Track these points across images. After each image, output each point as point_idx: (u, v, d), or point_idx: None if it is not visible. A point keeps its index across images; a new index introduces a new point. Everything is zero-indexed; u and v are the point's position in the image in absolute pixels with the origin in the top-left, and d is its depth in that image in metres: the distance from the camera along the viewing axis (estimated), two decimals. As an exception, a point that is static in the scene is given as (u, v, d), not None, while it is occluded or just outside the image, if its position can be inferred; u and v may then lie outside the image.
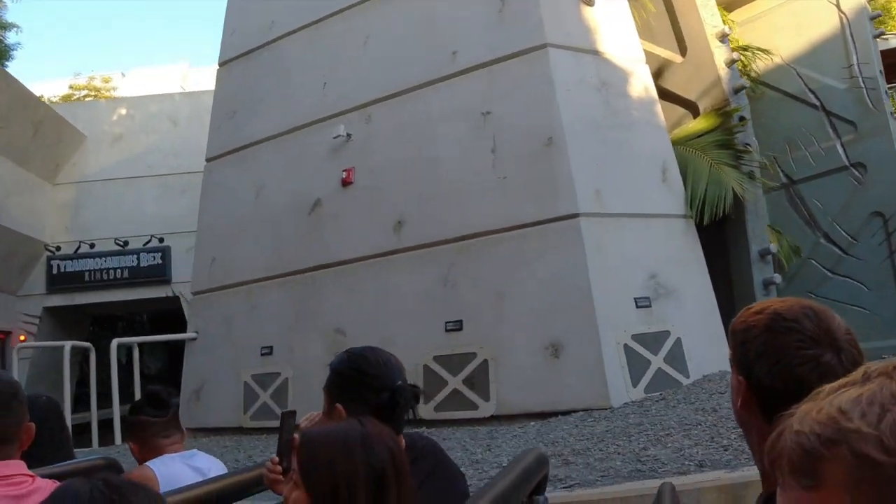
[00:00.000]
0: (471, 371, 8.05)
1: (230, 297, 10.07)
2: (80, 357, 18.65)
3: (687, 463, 5.08)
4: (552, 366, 7.68)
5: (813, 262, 11.49)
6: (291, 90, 10.32)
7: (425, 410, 8.16)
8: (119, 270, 17.66)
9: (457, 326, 8.25)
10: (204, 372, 10.04)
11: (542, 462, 2.25)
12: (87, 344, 10.54)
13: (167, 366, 23.58)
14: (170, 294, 17.55)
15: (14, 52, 21.34)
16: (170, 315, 18.91)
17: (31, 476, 1.75)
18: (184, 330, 16.02)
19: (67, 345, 10.15)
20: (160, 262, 17.64)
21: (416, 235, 8.73)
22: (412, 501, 1.42)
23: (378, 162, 9.22)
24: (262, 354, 9.51)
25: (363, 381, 1.93)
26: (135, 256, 17.65)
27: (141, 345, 21.91)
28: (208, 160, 11.10)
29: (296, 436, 1.56)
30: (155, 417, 2.59)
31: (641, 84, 9.21)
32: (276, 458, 1.84)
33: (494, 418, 7.82)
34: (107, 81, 27.66)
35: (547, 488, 4.94)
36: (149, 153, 18.45)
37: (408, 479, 1.43)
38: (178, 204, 17.75)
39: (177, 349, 20.10)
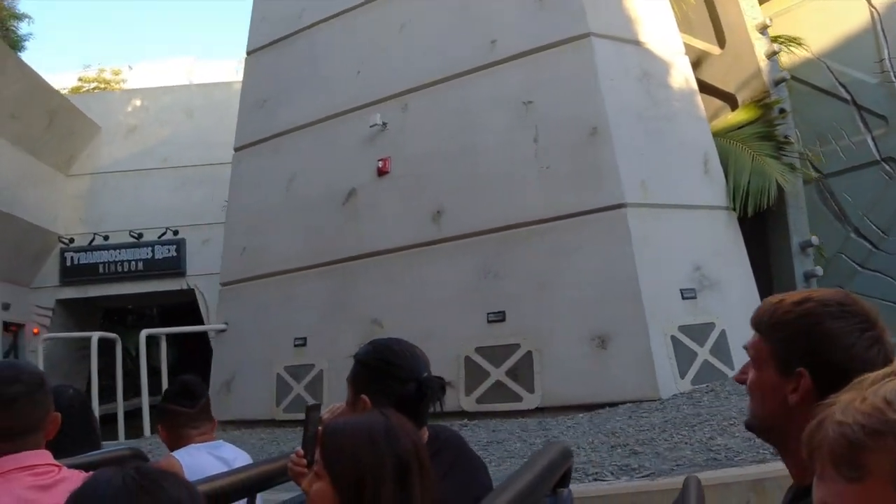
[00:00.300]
0: (514, 363, 7.94)
1: (261, 288, 9.95)
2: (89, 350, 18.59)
3: (762, 451, 4.99)
4: (599, 357, 7.58)
5: (843, 256, 11.42)
6: (324, 79, 10.21)
7: (467, 402, 8.09)
8: (133, 263, 17.57)
9: (499, 317, 8.15)
10: (234, 363, 9.91)
11: (567, 455, 2.18)
12: (114, 335, 10.40)
13: (177, 359, 23.50)
14: (184, 287, 17.45)
15: (26, 43, 21.25)
16: (183, 308, 18.85)
17: (58, 466, 1.76)
18: (198, 323, 15.97)
19: (95, 336, 10.02)
20: (175, 254, 17.54)
21: (456, 225, 8.63)
22: (433, 493, 1.41)
23: (415, 151, 9.11)
24: (296, 346, 9.39)
25: (390, 372, 1.93)
26: (149, 249, 17.54)
27: (150, 337, 21.83)
28: (237, 149, 10.98)
29: (320, 428, 1.57)
30: (185, 408, 2.61)
31: (682, 75, 9.12)
32: (301, 451, 1.83)
33: (539, 410, 7.72)
34: (116, 74, 27.51)
35: (622, 477, 4.89)
36: (163, 145, 18.34)
37: (429, 471, 1.42)
38: (192, 196, 17.69)
39: (188, 342, 20.04)
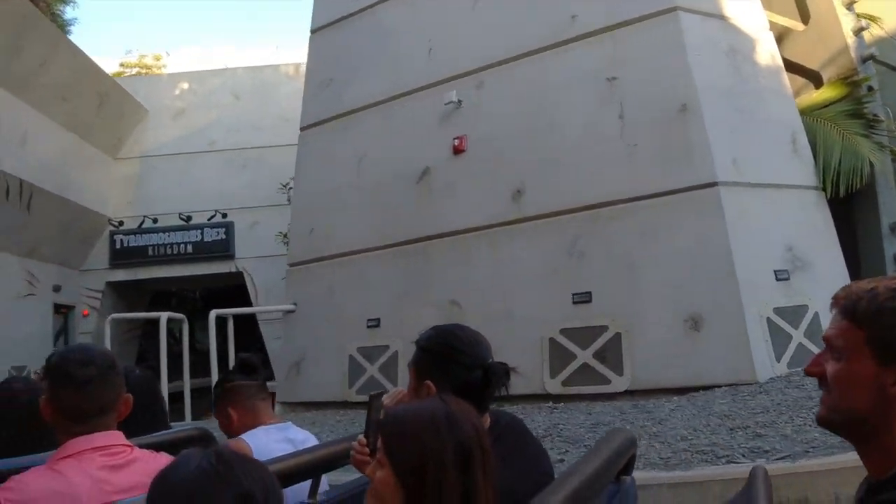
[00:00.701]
0: (602, 344, 7.75)
1: (332, 268, 9.82)
2: (139, 332, 18.69)
3: None
4: (692, 339, 7.37)
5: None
6: (393, 56, 10.03)
7: (552, 385, 7.92)
8: (183, 246, 17.54)
9: (585, 298, 7.95)
10: (304, 345, 9.80)
11: (631, 443, 2.11)
12: (181, 316, 10.33)
13: (218, 342, 23.54)
14: (233, 270, 17.40)
15: (71, 28, 21.23)
16: (229, 291, 18.84)
17: (130, 446, 1.79)
18: (245, 305, 15.84)
19: (164, 316, 9.98)
20: (224, 237, 17.48)
21: (537, 204, 8.43)
22: (495, 479, 1.39)
23: (492, 129, 8.92)
24: (369, 327, 9.25)
25: (454, 357, 1.90)
26: (198, 231, 17.50)
27: (192, 321, 21.81)
28: (303, 129, 10.83)
29: (382, 417, 1.57)
30: (248, 380, 2.67)
31: (767, 51, 8.84)
32: (363, 440, 1.83)
33: (628, 393, 7.53)
34: (157, 59, 27.54)
35: (757, 460, 4.69)
36: (210, 128, 18.28)
37: (492, 457, 1.40)
38: (239, 179, 17.64)
39: (236, 324, 19.94)
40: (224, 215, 17.44)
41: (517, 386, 7.99)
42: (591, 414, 6.74)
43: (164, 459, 1.81)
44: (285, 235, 14.66)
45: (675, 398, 7.00)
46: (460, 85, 9.27)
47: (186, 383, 9.97)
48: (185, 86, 18.98)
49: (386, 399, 2.00)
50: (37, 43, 13.47)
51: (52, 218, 15.20)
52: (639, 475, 4.54)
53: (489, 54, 9.19)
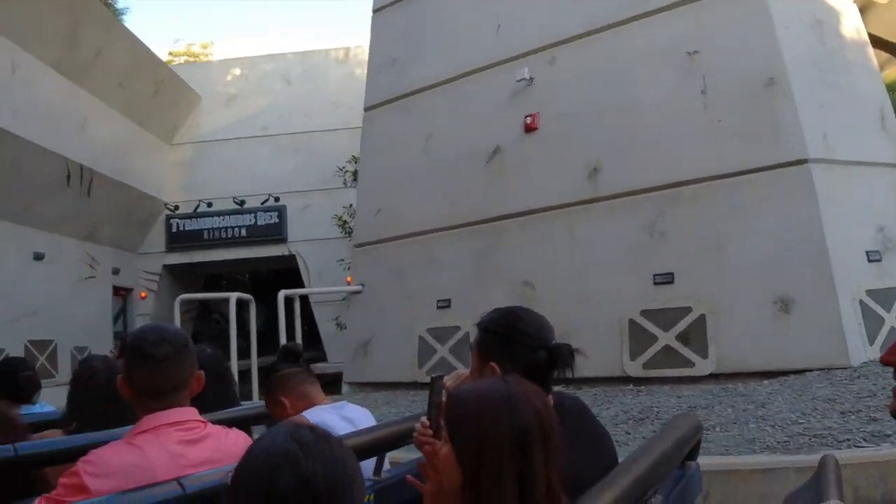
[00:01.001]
0: (685, 326, 7.52)
1: (400, 249, 9.70)
2: (193, 314, 18.88)
3: None
4: (781, 322, 7.11)
5: None
6: (460, 34, 9.85)
7: (632, 367, 7.72)
8: (237, 229, 17.60)
9: (667, 279, 7.73)
10: (372, 325, 9.72)
11: (698, 428, 2.20)
12: (249, 296, 10.29)
13: (266, 324, 23.70)
14: (285, 253, 17.44)
15: (123, 17, 21.39)
16: (277, 274, 18.97)
17: (203, 422, 1.85)
18: (295, 287, 15.81)
19: (233, 296, 9.95)
20: (277, 220, 17.51)
21: (614, 183, 8.21)
22: (560, 462, 1.37)
23: (566, 106, 8.70)
24: (439, 308, 9.13)
25: (517, 339, 1.90)
26: (252, 215, 17.55)
27: (241, 303, 21.94)
28: (367, 109, 10.72)
29: (443, 398, 1.61)
30: (295, 367, 2.69)
31: (852, 24, 8.51)
32: (426, 421, 1.84)
33: (712, 376, 7.31)
34: (205, 47, 27.65)
35: (883, 444, 4.46)
36: (262, 113, 18.29)
37: (556, 440, 1.38)
38: (291, 163, 17.66)
39: (276, 308, 20.07)
40: (276, 199, 17.46)
41: (595, 368, 7.86)
42: (680, 397, 6.54)
43: (234, 435, 1.91)
44: (340, 218, 14.63)
45: (766, 382, 6.77)
46: (531, 62, 9.06)
47: (254, 362, 9.94)
48: (237, 72, 18.99)
49: (447, 381, 2.04)
50: (94, 31, 13.56)
51: (111, 202, 15.36)
52: (761, 459, 4.37)
53: (561, 30, 8.96)
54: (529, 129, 8.86)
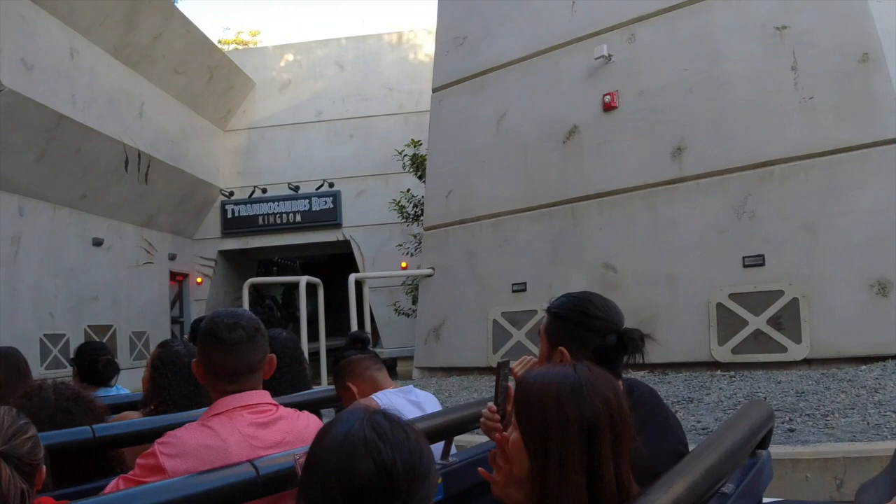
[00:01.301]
0: (777, 310, 7.27)
1: (472, 231, 9.55)
2: (251, 297, 18.94)
3: None
4: (878, 305, 6.84)
5: None
6: (533, 11, 9.62)
7: (720, 352, 7.49)
8: (292, 215, 17.59)
9: (757, 261, 7.48)
10: (443, 309, 9.58)
11: (770, 416, 2.11)
12: (317, 280, 10.21)
13: (316, 309, 23.77)
14: (340, 238, 17.40)
15: (176, 4, 21.39)
16: (329, 259, 18.95)
17: (276, 405, 1.89)
18: (347, 272, 15.75)
19: (303, 280, 9.87)
20: (331, 206, 17.47)
21: (701, 162, 7.96)
22: (630, 449, 1.34)
23: (646, 84, 8.46)
24: (514, 291, 8.97)
25: (587, 324, 1.86)
26: (307, 201, 17.54)
27: (293, 287, 21.96)
28: (435, 90, 10.55)
29: (510, 384, 1.68)
30: (364, 353, 2.74)
31: (947, -3, 8.13)
32: (494, 407, 1.86)
33: (805, 362, 7.06)
34: (254, 35, 27.64)
35: None
36: (316, 99, 18.24)
37: (628, 427, 1.34)
38: (345, 149, 17.60)
39: (327, 293, 20.02)
40: (331, 184, 17.42)
41: (680, 353, 7.64)
42: (780, 382, 6.30)
43: (305, 418, 1.94)
44: (398, 203, 14.52)
45: (864, 367, 6.52)
46: (609, 39, 8.81)
47: (322, 345, 9.86)
48: (291, 57, 18.93)
49: (515, 367, 2.06)
50: (151, 17, 13.59)
51: (168, 188, 15.48)
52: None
53: (641, 5, 8.70)
54: (608, 107, 8.63)
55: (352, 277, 10.07)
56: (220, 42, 27.72)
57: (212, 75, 16.74)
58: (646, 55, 8.56)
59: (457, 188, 9.79)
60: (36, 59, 10.50)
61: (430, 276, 9.81)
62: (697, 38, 8.27)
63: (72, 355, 3.89)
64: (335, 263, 18.86)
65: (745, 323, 7.41)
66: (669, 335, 7.74)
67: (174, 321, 17.03)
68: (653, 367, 7.73)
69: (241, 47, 27.51)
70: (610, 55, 8.68)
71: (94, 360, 3.74)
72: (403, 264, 14.89)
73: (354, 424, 1.08)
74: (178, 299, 17.33)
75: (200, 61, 16.06)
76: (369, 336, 2.86)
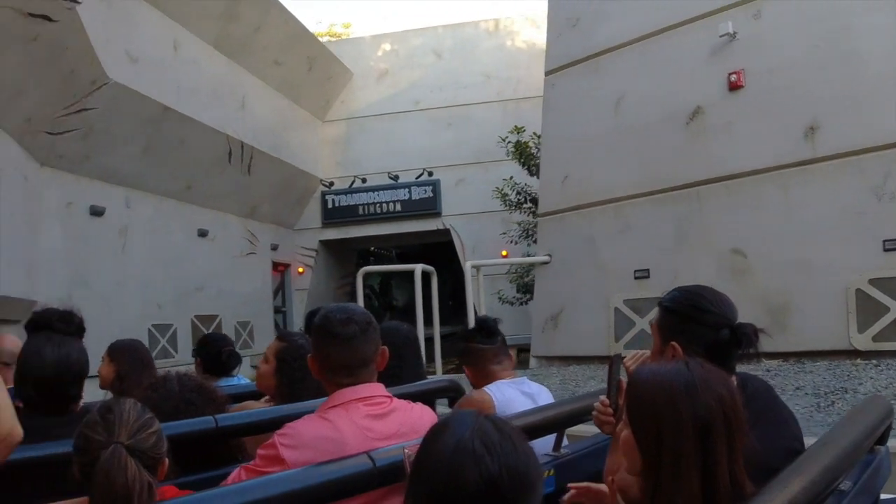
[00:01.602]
0: (922, 295, 6.93)
1: (591, 217, 9.41)
2: (348, 288, 19.24)
3: None
4: None
5: None
6: (649, -10, 9.38)
7: (860, 340, 7.18)
8: (391, 204, 17.72)
9: (899, 245, 7.13)
10: (561, 297, 9.49)
11: (890, 412, 2.07)
12: (431, 268, 10.23)
13: (412, 298, 23.90)
14: (440, 227, 17.45)
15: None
16: (426, 249, 19.04)
17: (390, 397, 1.93)
18: (447, 262, 15.81)
19: (418, 268, 9.88)
20: (431, 194, 17.51)
21: (835, 142, 7.62)
22: (744, 446, 1.33)
23: (776, 62, 8.13)
24: (637, 278, 8.80)
25: (700, 318, 1.85)
26: (406, 190, 17.63)
27: (389, 277, 22.15)
28: (548, 73, 10.42)
29: (622, 378, 1.76)
30: (486, 345, 2.76)
31: None
32: (606, 401, 1.90)
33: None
34: (346, 27, 27.90)
35: None
36: (414, 87, 18.26)
37: (742, 424, 1.33)
38: (444, 137, 17.57)
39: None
40: (430, 173, 17.46)
41: (816, 341, 7.36)
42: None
43: (419, 410, 1.98)
44: (500, 190, 14.44)
45: None
46: (733, 15, 8.51)
47: (436, 334, 9.87)
48: (388, 47, 19.03)
49: (628, 361, 2.06)
50: (251, 8, 13.70)
51: (270, 179, 15.68)
52: None
53: (767, -19, 8.38)
54: (734, 87, 8.35)
55: (468, 265, 10.07)
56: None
57: (311, 66, 16.90)
58: (773, 32, 8.24)
59: (573, 173, 9.66)
60: (140, 51, 10.61)
61: (546, 262, 9.72)
62: (827, 12, 7.90)
63: (193, 347, 4.10)
64: (431, 252, 18.91)
65: (886, 309, 7.08)
66: (804, 323, 7.48)
67: (276, 311, 17.36)
68: (786, 356, 7.46)
69: (333, 39, 27.89)
70: (735, 32, 8.39)
71: (218, 352, 3.90)
72: (504, 252, 14.84)
73: (465, 433, 1.08)
74: (280, 289, 17.68)
75: (299, 52, 16.22)
76: (494, 323, 2.84)
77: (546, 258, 9.72)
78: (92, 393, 2.60)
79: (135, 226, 11.86)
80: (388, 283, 26.09)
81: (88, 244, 10.69)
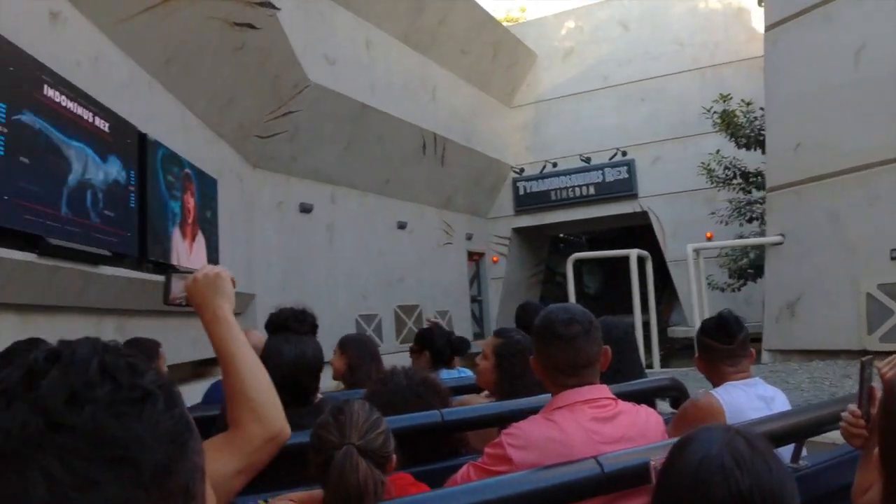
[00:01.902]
0: None
1: (832, 189, 8.20)
2: (540, 276, 18.74)
3: None
4: None
5: None
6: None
7: None
8: (584, 188, 16.93)
9: None
10: (799, 282, 8.35)
11: None
12: (646, 253, 9.39)
13: (604, 285, 23.02)
14: (637, 209, 16.42)
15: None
16: (616, 234, 18.22)
17: (615, 399, 1.90)
18: (644, 247, 14.68)
19: (633, 253, 9.10)
20: (626, 176, 16.53)
21: None
22: None
23: None
24: (894, 258, 7.52)
25: None
26: (599, 172, 16.77)
27: (581, 263, 21.40)
28: (768, 28, 9.23)
29: (874, 385, 1.61)
30: (721, 344, 2.53)
31: None
32: (857, 410, 1.67)
33: None
34: (522, 10, 27.12)
35: None
36: (601, 63, 17.34)
37: None
38: (637, 114, 16.59)
39: (612, 268, 19.17)
40: (624, 153, 16.46)
41: None
42: None
43: (644, 413, 1.91)
44: (706, 166, 13.25)
45: None
46: None
47: (653, 324, 9.02)
48: (571, 24, 18.16)
49: (883, 367, 1.79)
50: (437, 0, 13.61)
51: (463, 169, 15.63)
52: None
53: None
54: None
55: (690, 248, 9.11)
56: (490, 22, 27.66)
57: (496, 52, 16.58)
58: None
59: (807, 139, 8.44)
60: (337, 53, 10.93)
61: (779, 243, 8.57)
62: None
63: (396, 338, 4.29)
64: (623, 237, 17.97)
65: None
66: None
67: (473, 300, 17.29)
68: None
69: (513, 24, 27.23)
70: None
71: (447, 341, 4.02)
72: (709, 234, 13.71)
73: (713, 448, 1.04)
74: (475, 278, 17.59)
75: (484, 39, 15.94)
76: (735, 321, 2.52)
77: (779, 238, 8.57)
78: (324, 383, 2.69)
79: (340, 221, 12.41)
80: (580, 270, 25.34)
81: (299, 240, 11.30)
